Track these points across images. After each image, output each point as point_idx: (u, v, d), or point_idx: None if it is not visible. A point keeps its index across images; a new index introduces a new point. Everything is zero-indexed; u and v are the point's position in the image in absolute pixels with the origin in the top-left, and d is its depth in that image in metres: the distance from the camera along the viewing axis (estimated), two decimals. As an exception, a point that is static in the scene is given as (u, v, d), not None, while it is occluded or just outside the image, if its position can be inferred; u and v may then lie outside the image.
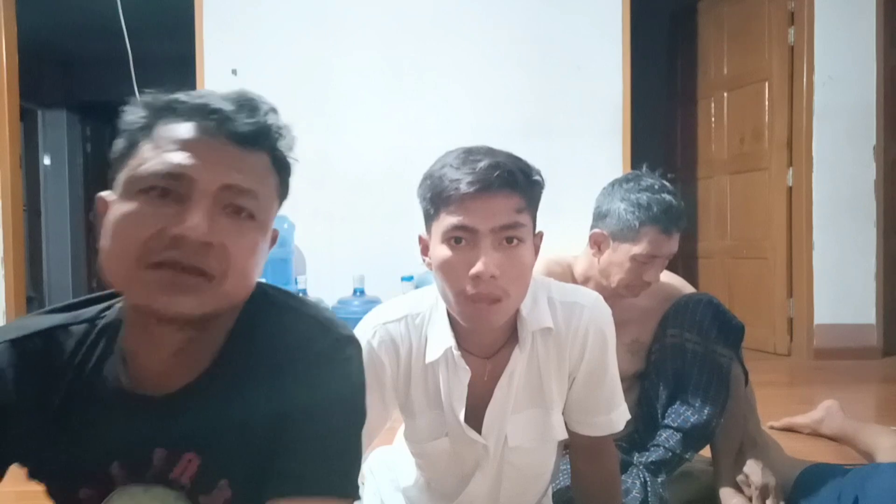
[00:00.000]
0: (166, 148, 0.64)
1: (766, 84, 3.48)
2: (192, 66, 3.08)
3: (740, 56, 3.65)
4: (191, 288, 0.63)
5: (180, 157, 0.64)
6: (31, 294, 5.11)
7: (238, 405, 0.70)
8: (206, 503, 0.71)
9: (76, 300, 0.78)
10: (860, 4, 3.29)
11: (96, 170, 6.61)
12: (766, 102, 3.48)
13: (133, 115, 0.68)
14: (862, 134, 3.30)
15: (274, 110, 0.71)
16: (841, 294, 3.32)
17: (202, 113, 0.66)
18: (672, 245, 1.40)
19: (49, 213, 6.07)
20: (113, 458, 0.70)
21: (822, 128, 3.29)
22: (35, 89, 5.33)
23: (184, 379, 0.71)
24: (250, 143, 0.68)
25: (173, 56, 4.03)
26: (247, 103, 0.69)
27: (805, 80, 3.29)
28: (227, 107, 0.67)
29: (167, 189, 0.64)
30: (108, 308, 0.75)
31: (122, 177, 0.66)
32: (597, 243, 1.46)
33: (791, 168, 3.39)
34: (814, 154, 3.29)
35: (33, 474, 0.74)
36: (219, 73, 3.09)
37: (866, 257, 3.33)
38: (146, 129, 0.67)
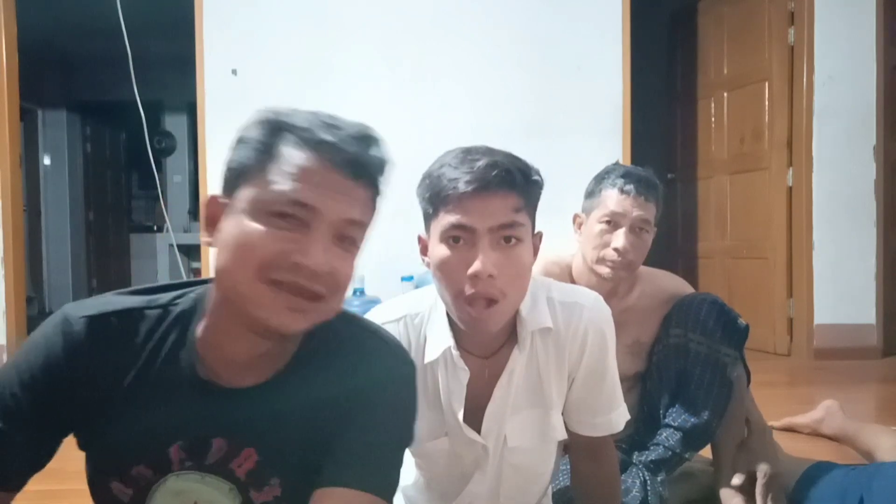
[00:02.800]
0: (295, 175, 0.69)
1: (766, 84, 3.48)
2: (192, 66, 3.08)
3: (740, 56, 3.65)
4: (304, 309, 0.70)
5: (309, 188, 0.69)
6: (31, 294, 5.12)
7: (304, 409, 0.76)
8: (255, 498, 0.76)
9: (151, 286, 0.81)
10: (860, 4, 3.29)
11: (96, 170, 6.63)
12: (766, 102, 3.48)
13: (256, 131, 0.72)
14: (862, 134, 3.30)
15: (383, 143, 0.76)
16: (841, 294, 3.32)
17: (329, 148, 0.70)
18: (635, 209, 1.41)
19: (49, 213, 6.08)
20: (174, 440, 0.74)
21: (822, 128, 3.29)
22: (35, 89, 5.33)
23: (255, 377, 0.76)
24: (364, 179, 0.73)
25: (173, 56, 4.04)
26: (367, 140, 0.74)
27: (805, 80, 3.29)
28: (352, 146, 0.72)
29: (291, 214, 0.69)
30: (182, 296, 0.79)
31: (246, 192, 0.70)
32: (578, 225, 1.53)
33: (791, 168, 3.39)
34: (814, 154, 3.30)
35: (86, 446, 0.77)
36: (219, 73, 3.08)
37: (866, 257, 3.33)
38: (270, 147, 0.71)
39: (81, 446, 0.78)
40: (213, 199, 0.74)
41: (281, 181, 0.69)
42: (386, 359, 0.81)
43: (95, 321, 0.74)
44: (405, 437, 0.81)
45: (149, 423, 0.74)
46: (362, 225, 0.74)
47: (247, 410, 0.74)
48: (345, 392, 0.76)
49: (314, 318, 0.72)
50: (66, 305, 0.76)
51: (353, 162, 0.72)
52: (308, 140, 0.71)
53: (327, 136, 0.71)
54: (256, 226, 0.68)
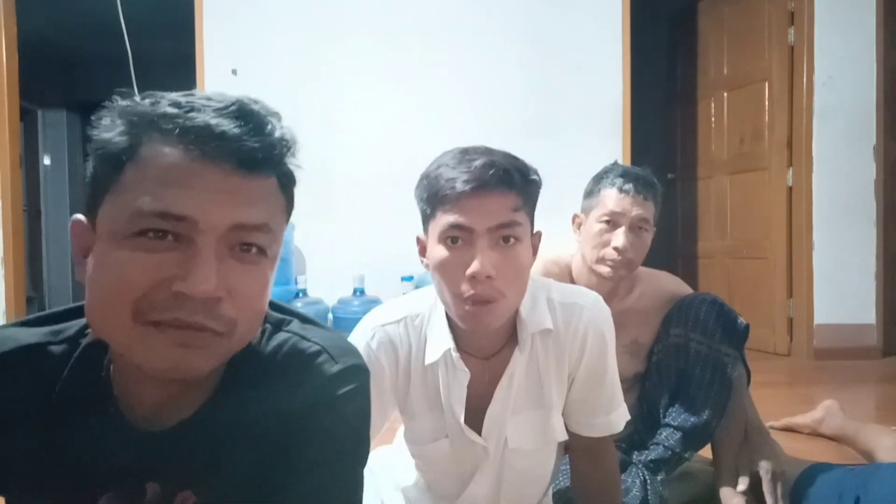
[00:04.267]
0: (161, 180, 0.54)
1: (766, 84, 3.48)
2: (192, 66, 3.08)
3: (740, 56, 3.65)
4: (199, 345, 0.56)
5: (179, 195, 0.54)
6: (31, 294, 5.11)
7: (235, 443, 0.65)
8: None
9: (56, 311, 0.69)
10: (860, 4, 3.29)
11: (96, 170, 6.63)
12: (766, 102, 3.48)
13: (111, 131, 0.57)
14: (862, 134, 3.30)
15: (277, 116, 0.61)
16: (841, 294, 3.32)
17: (201, 136, 0.55)
18: (634, 208, 1.41)
19: (49, 213, 6.08)
20: (103, 490, 0.64)
21: (822, 128, 3.28)
22: (35, 89, 5.32)
23: (178, 414, 0.64)
24: (258, 168, 0.58)
25: (173, 56, 4.03)
26: (251, 119, 0.57)
27: (805, 80, 3.29)
28: (231, 128, 0.55)
29: (166, 231, 0.54)
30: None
31: (107, 210, 0.56)
32: (578, 225, 1.53)
33: (791, 168, 3.39)
34: (814, 154, 3.29)
35: (15, 502, 0.68)
36: (219, 73, 3.09)
37: (866, 257, 3.32)
38: (130, 149, 0.56)
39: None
40: (77, 223, 0.60)
41: (143, 189, 0.54)
42: (317, 374, 0.65)
43: None
44: (361, 454, 0.69)
45: (72, 475, 0.63)
46: (265, 228, 0.59)
47: (174, 451, 0.63)
48: (275, 420, 0.64)
49: (220, 352, 0.59)
50: None
51: (237, 149, 0.56)
52: (172, 130, 0.55)
53: (197, 120, 0.55)
54: (122, 253, 0.54)
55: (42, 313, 0.69)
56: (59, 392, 0.63)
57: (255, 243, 0.58)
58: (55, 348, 0.64)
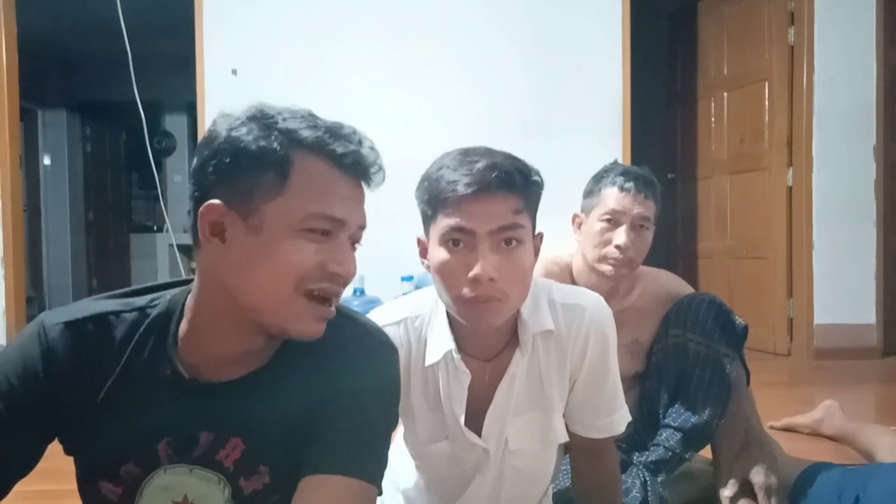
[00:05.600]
0: (324, 190, 0.72)
1: (766, 84, 3.48)
2: (192, 66, 3.08)
3: (740, 56, 3.65)
4: (330, 315, 0.75)
5: (336, 202, 0.73)
6: (31, 294, 5.11)
7: (288, 398, 0.77)
8: (245, 487, 0.76)
9: (127, 290, 0.82)
10: (860, 4, 3.29)
11: (96, 170, 6.63)
12: (766, 102, 3.48)
13: (264, 141, 0.71)
14: (862, 134, 3.30)
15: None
16: (841, 294, 3.32)
17: (347, 158, 0.73)
18: (635, 206, 1.42)
19: (49, 213, 6.08)
20: (161, 438, 0.75)
21: (822, 128, 3.28)
22: (35, 89, 5.33)
23: (238, 371, 0.77)
24: (369, 183, 0.78)
25: (173, 56, 4.04)
26: (368, 143, 0.77)
27: (805, 80, 3.29)
28: (368, 156, 0.75)
29: (320, 227, 0.72)
30: (157, 298, 0.80)
31: (275, 208, 0.71)
32: (578, 225, 1.54)
33: (791, 168, 3.39)
34: (814, 154, 3.30)
35: (72, 450, 0.78)
36: (219, 73, 3.09)
37: (866, 257, 3.33)
38: (290, 162, 0.71)
39: (68, 452, 0.78)
40: (217, 207, 0.71)
41: (309, 197, 0.71)
42: (365, 342, 0.82)
43: (72, 327, 0.74)
44: (390, 420, 0.82)
45: (134, 425, 0.74)
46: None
47: (231, 402, 0.76)
48: (326, 379, 0.77)
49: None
50: (42, 313, 0.77)
51: (367, 172, 0.76)
52: (327, 153, 0.73)
53: (341, 148, 0.73)
54: (295, 242, 0.71)
55: (115, 291, 0.82)
56: (130, 350, 0.75)
57: (359, 238, 0.78)
58: (127, 315, 0.77)
